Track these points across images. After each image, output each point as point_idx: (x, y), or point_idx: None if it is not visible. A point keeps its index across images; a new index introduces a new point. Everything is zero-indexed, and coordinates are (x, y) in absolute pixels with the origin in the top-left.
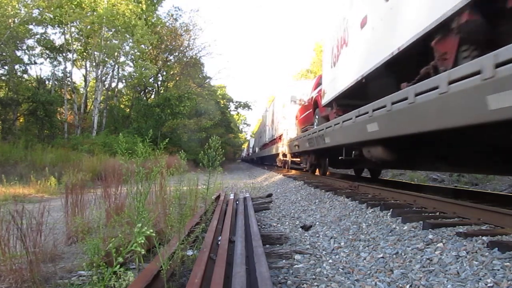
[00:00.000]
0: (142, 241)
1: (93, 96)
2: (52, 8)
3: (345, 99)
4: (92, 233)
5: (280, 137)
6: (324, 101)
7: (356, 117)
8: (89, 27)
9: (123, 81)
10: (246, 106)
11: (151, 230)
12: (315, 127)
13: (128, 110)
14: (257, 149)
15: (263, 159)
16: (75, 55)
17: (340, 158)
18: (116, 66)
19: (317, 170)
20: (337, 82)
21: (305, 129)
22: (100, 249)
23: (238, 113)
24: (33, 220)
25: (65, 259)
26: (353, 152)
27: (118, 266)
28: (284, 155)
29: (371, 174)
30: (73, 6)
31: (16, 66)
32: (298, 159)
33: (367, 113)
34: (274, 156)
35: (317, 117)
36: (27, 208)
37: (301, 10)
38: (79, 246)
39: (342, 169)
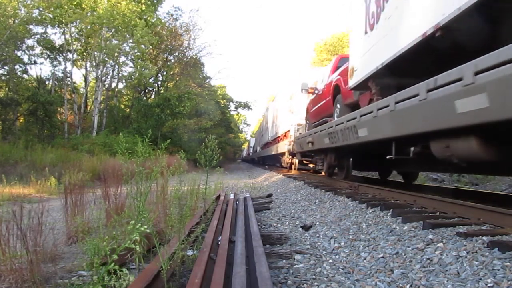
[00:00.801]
0: (137, 238)
1: (93, 96)
2: (52, 8)
3: (392, 76)
4: (92, 233)
5: (285, 134)
6: (353, 82)
7: (429, 91)
8: (89, 27)
9: (123, 81)
10: (246, 106)
11: (145, 227)
12: (336, 118)
13: (128, 110)
14: (258, 149)
15: (265, 159)
16: (75, 55)
17: (388, 157)
18: (116, 66)
19: (334, 172)
20: (379, 51)
21: (319, 123)
22: (100, 249)
23: (238, 113)
24: (33, 220)
25: (65, 259)
26: (412, 148)
27: (113, 264)
28: (292, 154)
29: (404, 178)
30: (73, 6)
31: (16, 66)
32: (309, 159)
33: (458, 80)
34: (278, 155)
35: (338, 106)
36: (27, 208)
37: (301, 11)
38: (79, 246)
39: (368, 171)
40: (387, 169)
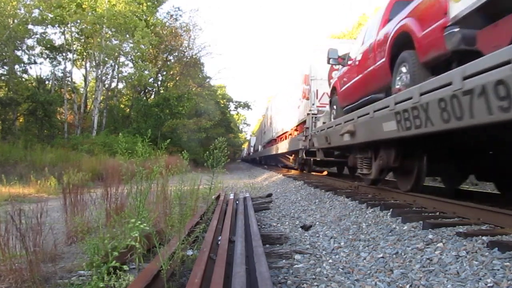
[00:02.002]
0: (136, 235)
1: (93, 96)
2: (52, 8)
3: None
4: (92, 233)
5: (296, 128)
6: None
7: None
8: (89, 27)
9: (123, 81)
10: (246, 106)
11: (145, 225)
12: (398, 88)
13: (128, 110)
14: (260, 147)
15: (268, 159)
16: (75, 55)
17: None
18: (116, 66)
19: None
20: None
21: (356, 105)
22: (100, 249)
23: (238, 113)
24: (32, 220)
25: (65, 259)
26: None
27: (114, 261)
28: (309, 152)
29: (500, 187)
30: (74, 6)
31: (16, 66)
32: (336, 159)
33: None
34: (286, 154)
35: (404, 68)
36: (26, 208)
37: (301, 11)
38: (79, 246)
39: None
40: (464, 174)
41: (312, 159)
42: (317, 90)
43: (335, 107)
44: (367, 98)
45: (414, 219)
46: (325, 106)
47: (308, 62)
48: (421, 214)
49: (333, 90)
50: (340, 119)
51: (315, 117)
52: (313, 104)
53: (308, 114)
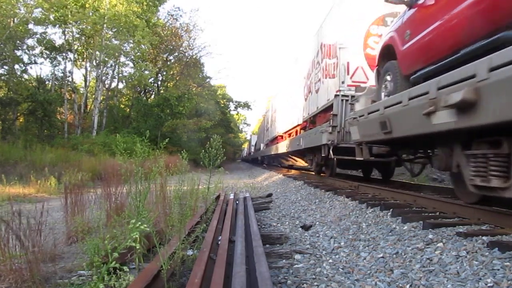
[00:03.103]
0: (137, 236)
1: (93, 96)
2: (55, 8)
3: None
4: (92, 233)
5: (313, 119)
6: None
7: None
8: (89, 27)
9: (123, 81)
10: (246, 105)
11: (145, 225)
12: None
13: (128, 110)
14: (262, 146)
15: (272, 159)
16: (75, 55)
17: None
18: (117, 66)
19: None
20: None
21: (445, 66)
22: (100, 249)
23: (238, 113)
24: (32, 220)
25: (65, 259)
26: None
27: (114, 262)
28: (339, 149)
29: None
30: (77, 7)
31: (16, 66)
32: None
33: None
34: (300, 153)
35: None
36: (26, 208)
37: (301, 11)
38: (79, 246)
39: None
40: None
41: (335, 159)
42: (348, 63)
43: (388, 77)
44: (484, 42)
45: (414, 219)
46: (359, 85)
47: (335, 23)
48: (421, 214)
49: (385, 52)
50: (424, 86)
51: (347, 100)
52: (342, 83)
53: (336, 96)
